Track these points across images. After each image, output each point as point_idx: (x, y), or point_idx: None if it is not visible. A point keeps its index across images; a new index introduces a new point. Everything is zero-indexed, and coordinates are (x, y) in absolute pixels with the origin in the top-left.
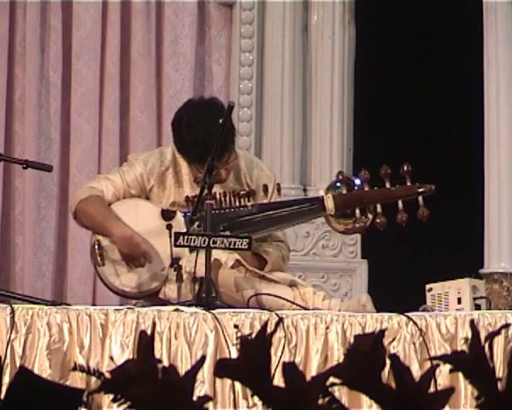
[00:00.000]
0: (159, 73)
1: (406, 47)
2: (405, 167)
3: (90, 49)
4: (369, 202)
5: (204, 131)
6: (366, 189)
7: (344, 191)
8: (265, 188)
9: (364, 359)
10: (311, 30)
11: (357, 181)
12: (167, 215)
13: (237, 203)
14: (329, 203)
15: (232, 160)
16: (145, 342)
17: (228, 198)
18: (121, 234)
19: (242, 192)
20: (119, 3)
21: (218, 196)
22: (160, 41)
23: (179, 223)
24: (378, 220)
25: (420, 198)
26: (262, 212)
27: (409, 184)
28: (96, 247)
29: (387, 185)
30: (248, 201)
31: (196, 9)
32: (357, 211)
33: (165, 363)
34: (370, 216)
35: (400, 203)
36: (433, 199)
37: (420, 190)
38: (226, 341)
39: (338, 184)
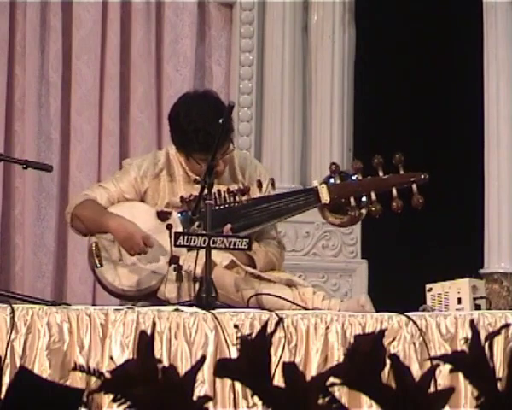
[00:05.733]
0: (159, 73)
1: (406, 47)
2: (398, 157)
3: (90, 49)
4: (363, 191)
5: (203, 119)
6: (359, 178)
7: (338, 181)
8: (259, 183)
9: (364, 359)
10: (311, 30)
11: (354, 177)
12: (163, 216)
13: (232, 200)
14: (324, 193)
15: (231, 150)
16: (145, 342)
17: (222, 196)
18: (118, 225)
19: (236, 188)
20: (119, 3)
21: (212, 195)
22: (160, 41)
23: (175, 222)
24: (373, 208)
25: (414, 186)
26: (258, 205)
27: (402, 172)
28: (94, 248)
29: (380, 174)
30: (243, 197)
31: (196, 9)
32: (352, 200)
33: (165, 363)
34: (364, 211)
35: (394, 191)
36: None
37: (413, 178)
38: (226, 341)
39: (332, 179)
